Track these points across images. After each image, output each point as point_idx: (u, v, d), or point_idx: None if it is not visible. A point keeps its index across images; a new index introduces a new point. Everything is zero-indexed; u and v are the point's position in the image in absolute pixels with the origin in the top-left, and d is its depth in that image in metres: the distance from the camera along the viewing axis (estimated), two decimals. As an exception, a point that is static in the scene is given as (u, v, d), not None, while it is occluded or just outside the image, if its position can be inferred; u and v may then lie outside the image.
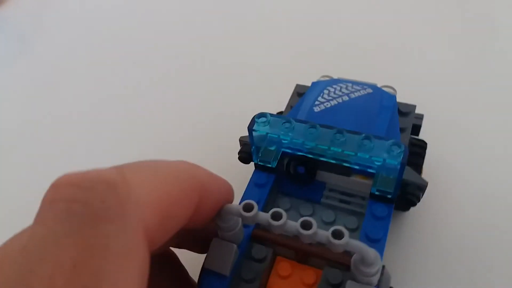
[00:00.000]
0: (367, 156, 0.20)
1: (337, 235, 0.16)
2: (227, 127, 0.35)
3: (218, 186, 0.18)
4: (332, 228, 0.16)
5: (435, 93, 0.35)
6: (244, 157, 0.24)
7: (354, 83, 0.27)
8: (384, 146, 0.20)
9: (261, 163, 0.24)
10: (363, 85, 0.26)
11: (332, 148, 0.20)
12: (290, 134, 0.21)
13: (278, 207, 0.24)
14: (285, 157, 0.24)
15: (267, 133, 0.22)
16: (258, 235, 0.21)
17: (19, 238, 0.13)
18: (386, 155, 0.20)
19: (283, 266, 0.21)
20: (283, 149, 0.24)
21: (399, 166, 0.19)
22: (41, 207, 0.13)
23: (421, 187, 0.22)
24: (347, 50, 0.41)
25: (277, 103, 0.32)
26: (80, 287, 0.11)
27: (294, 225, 0.17)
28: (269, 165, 0.24)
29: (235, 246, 0.19)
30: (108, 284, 0.12)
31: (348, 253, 0.21)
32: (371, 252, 0.17)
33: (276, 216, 0.17)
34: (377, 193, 0.22)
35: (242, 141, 0.25)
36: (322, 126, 0.21)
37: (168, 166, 0.16)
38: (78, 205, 0.13)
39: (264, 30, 0.45)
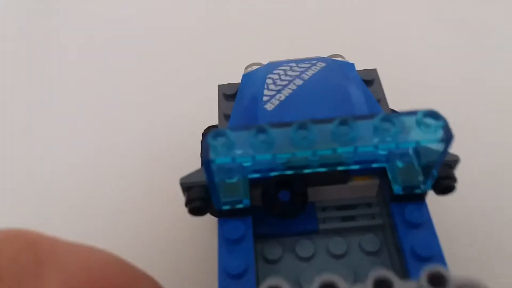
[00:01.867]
0: (401, 145, 0.13)
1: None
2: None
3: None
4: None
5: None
6: (198, 207, 0.16)
7: (297, 61, 0.20)
8: (411, 121, 0.13)
9: (228, 207, 0.16)
10: (309, 61, 0.20)
11: (340, 150, 0.13)
12: (271, 149, 0.13)
13: (265, 257, 0.17)
14: (255, 186, 0.16)
15: (235, 159, 0.13)
16: None
17: None
18: (420, 134, 0.13)
19: None
20: (248, 176, 0.16)
21: (442, 144, 0.13)
22: None
23: (453, 164, 0.16)
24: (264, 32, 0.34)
25: (201, 114, 0.24)
26: None
27: None
28: (241, 206, 0.16)
29: None
30: None
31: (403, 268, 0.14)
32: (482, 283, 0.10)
33: None
34: (402, 192, 0.15)
35: (185, 184, 0.16)
36: (313, 121, 0.14)
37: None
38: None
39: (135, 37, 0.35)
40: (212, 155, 0.13)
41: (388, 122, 0.13)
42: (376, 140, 0.13)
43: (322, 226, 0.17)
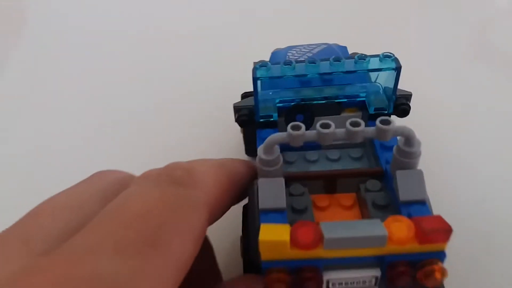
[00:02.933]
0: (366, 69, 0.22)
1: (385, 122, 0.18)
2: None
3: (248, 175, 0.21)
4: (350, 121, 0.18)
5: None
6: (244, 119, 0.25)
7: (307, 45, 0.29)
8: (377, 59, 0.22)
9: (263, 120, 0.24)
10: (315, 44, 0.29)
11: (334, 75, 0.22)
12: (293, 72, 0.22)
13: (285, 160, 0.25)
14: (281, 113, 0.25)
15: (273, 77, 0.23)
16: (290, 175, 0.22)
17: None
18: (382, 64, 0.22)
19: (320, 199, 0.22)
20: (277, 105, 0.25)
21: (394, 72, 0.22)
22: (133, 183, 0.17)
23: (408, 97, 0.25)
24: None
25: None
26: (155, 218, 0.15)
27: (343, 129, 0.18)
28: (271, 119, 0.24)
29: (282, 179, 0.19)
30: (171, 227, 0.15)
31: (377, 164, 0.22)
32: (412, 131, 0.19)
33: (325, 125, 0.18)
34: (374, 112, 0.24)
35: (236, 107, 0.25)
36: (321, 59, 0.23)
37: (222, 163, 0.20)
38: (164, 176, 0.17)
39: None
40: (257, 75, 0.22)
41: (362, 59, 0.22)
42: (355, 67, 0.22)
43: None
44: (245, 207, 0.23)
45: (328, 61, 0.23)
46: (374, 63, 0.22)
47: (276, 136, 0.19)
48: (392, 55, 0.22)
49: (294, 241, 0.16)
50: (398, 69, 0.22)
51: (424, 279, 0.17)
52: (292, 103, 0.24)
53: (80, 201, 0.17)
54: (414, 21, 0.47)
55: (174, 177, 0.17)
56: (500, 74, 0.40)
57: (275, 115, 0.24)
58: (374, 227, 0.17)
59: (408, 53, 0.40)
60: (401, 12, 0.48)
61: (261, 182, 0.19)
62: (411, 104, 0.25)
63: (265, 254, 0.17)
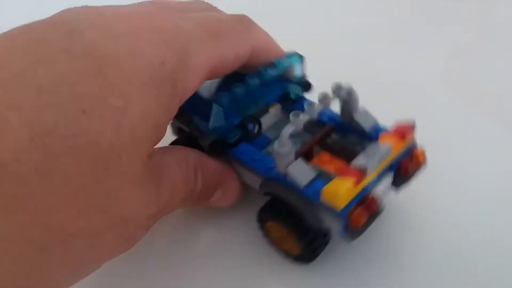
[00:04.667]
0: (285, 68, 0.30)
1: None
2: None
3: (271, 48, 0.29)
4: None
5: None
6: (216, 146, 0.29)
7: None
8: (287, 59, 0.30)
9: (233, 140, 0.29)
10: None
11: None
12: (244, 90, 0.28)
13: None
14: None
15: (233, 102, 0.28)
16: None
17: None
18: (289, 61, 0.30)
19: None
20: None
21: (301, 65, 0.31)
22: None
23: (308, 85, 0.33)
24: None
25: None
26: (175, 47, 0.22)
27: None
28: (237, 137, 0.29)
29: (301, 159, 0.25)
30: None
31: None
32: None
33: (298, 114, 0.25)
34: (295, 98, 0.32)
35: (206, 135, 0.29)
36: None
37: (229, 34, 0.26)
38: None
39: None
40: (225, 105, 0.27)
41: (274, 65, 0.30)
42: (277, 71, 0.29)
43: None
44: (262, 209, 0.28)
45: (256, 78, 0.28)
46: (285, 62, 0.30)
47: (287, 129, 0.24)
48: (295, 52, 0.31)
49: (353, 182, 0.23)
50: (302, 58, 0.31)
51: (412, 165, 0.27)
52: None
53: None
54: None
55: (242, 18, 0.27)
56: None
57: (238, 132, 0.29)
58: (380, 147, 0.25)
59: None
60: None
61: (291, 169, 0.25)
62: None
63: (342, 202, 0.23)
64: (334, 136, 0.29)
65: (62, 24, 0.19)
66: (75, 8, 0.21)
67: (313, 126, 0.30)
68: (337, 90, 0.26)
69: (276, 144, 0.25)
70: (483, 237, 0.29)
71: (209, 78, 0.25)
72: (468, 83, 0.41)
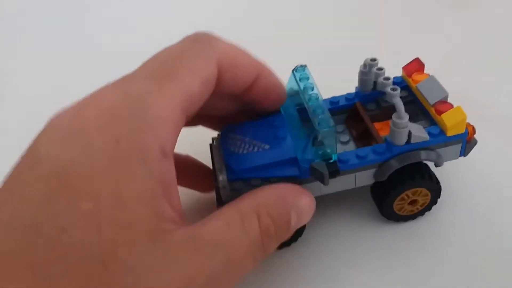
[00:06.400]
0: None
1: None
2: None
3: (243, 59, 0.26)
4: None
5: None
6: None
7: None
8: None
9: None
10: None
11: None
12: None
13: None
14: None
15: None
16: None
17: None
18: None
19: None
20: None
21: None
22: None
23: None
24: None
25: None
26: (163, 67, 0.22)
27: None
28: None
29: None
30: (185, 68, 0.22)
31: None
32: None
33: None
34: None
35: None
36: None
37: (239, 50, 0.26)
38: (190, 36, 0.25)
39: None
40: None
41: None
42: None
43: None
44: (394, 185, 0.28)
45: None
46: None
47: (398, 102, 0.26)
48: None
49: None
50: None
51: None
52: None
53: None
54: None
55: (196, 37, 0.24)
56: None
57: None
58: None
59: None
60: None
61: (414, 132, 0.26)
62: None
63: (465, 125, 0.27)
64: (370, 107, 0.31)
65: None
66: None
67: (340, 115, 0.31)
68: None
69: (395, 117, 0.25)
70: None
71: (187, 115, 0.23)
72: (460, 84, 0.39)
